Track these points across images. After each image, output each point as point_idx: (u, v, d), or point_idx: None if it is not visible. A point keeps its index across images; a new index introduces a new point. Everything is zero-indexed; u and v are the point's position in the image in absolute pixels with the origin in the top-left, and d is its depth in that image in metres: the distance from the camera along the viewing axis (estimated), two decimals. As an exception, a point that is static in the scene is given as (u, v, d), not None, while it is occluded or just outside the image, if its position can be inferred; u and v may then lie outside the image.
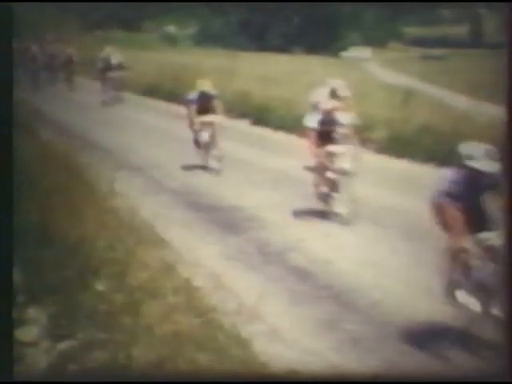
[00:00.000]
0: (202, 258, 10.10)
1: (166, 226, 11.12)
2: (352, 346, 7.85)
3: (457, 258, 7.65)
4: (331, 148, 12.10)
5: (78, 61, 23.54)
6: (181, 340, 7.15)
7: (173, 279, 8.61)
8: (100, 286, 8.26)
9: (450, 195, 7.61)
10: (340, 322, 8.40)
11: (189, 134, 15.56)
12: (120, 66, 22.00)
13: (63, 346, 7.49)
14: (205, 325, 7.60)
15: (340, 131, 12.16)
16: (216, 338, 7.34)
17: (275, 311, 8.61)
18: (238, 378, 6.90)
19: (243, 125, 19.76)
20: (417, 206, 10.75)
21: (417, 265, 9.83)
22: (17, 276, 8.42)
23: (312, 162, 12.52)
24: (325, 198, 12.31)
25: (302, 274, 9.81)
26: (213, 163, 15.32)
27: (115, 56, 22.02)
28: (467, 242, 7.52)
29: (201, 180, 14.86)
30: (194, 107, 15.38)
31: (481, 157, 7.68)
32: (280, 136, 18.69)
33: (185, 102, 15.80)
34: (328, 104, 12.63)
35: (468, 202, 7.59)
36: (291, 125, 18.24)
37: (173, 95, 21.72)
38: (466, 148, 7.81)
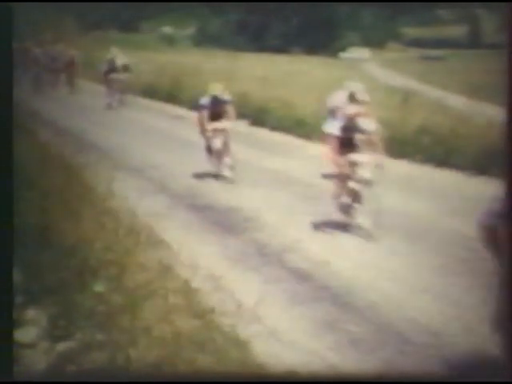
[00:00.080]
0: (201, 259, 10.10)
1: (164, 227, 11.12)
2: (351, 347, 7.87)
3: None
4: (354, 157, 11.40)
5: (80, 63, 23.42)
6: (180, 341, 7.14)
7: (171, 280, 8.61)
8: (99, 287, 8.25)
9: (502, 216, 6.30)
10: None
11: (189, 135, 15.55)
12: (125, 68, 21.62)
13: (62, 346, 7.49)
14: (203, 326, 7.60)
15: (362, 138, 11.45)
16: (215, 339, 7.33)
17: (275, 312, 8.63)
18: (236, 379, 6.90)
19: (242, 126, 19.77)
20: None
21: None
22: (16, 277, 8.42)
23: (330, 169, 11.98)
24: (346, 209, 11.62)
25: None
26: (225, 171, 14.74)
27: (120, 58, 21.64)
28: None
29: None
30: (205, 112, 14.73)
31: None
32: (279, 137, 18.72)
33: (196, 107, 15.23)
34: (350, 109, 11.90)
35: None
36: (290, 125, 18.27)
37: (171, 96, 21.73)
38: None
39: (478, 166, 14.70)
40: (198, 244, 10.94)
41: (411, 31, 27.46)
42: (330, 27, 25.77)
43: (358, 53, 26.30)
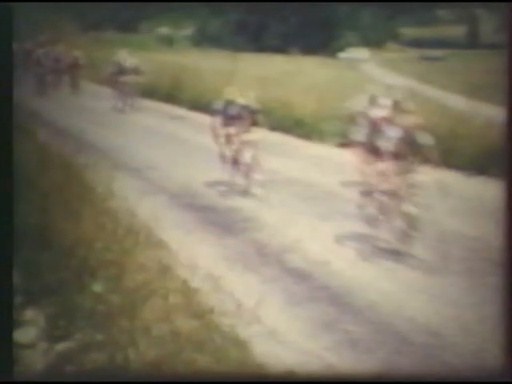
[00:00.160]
0: (200, 260, 10.11)
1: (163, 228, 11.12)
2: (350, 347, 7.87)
3: None
4: (382, 166, 10.61)
5: (84, 64, 23.29)
6: (179, 341, 7.15)
7: (171, 280, 8.61)
8: (97, 288, 8.25)
9: None
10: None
11: (189, 135, 15.47)
12: (136, 71, 21.11)
13: (61, 346, 7.49)
14: (203, 326, 7.60)
15: (388, 145, 10.54)
16: (214, 339, 7.34)
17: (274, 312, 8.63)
18: (235, 379, 6.91)
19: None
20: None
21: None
22: (15, 278, 8.42)
23: (352, 177, 11.39)
24: (372, 221, 10.98)
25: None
26: (255, 189, 13.38)
27: (129, 59, 21.13)
28: None
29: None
30: (218, 118, 13.80)
31: None
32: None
33: (210, 112, 14.25)
34: (377, 114, 11.04)
35: None
36: (289, 125, 18.25)
37: (171, 96, 21.71)
38: None
39: (478, 166, 14.69)
40: (197, 244, 10.93)
41: (410, 31, 27.42)
42: (328, 27, 25.75)
43: (356, 53, 26.26)
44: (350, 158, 11.35)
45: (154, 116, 20.79)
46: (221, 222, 12.16)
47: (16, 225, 8.48)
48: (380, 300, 8.99)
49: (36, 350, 7.56)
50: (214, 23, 27.18)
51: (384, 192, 10.58)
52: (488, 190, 12.81)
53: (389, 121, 10.65)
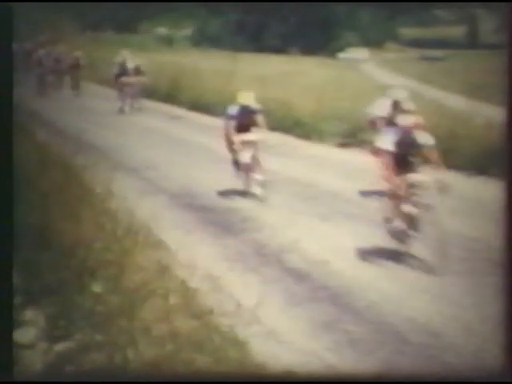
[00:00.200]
0: (200, 260, 10.10)
1: (163, 228, 11.12)
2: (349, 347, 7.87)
3: None
4: (413, 177, 10.10)
5: (85, 65, 23.26)
6: (178, 341, 7.14)
7: (170, 281, 8.60)
8: (97, 288, 8.25)
9: None
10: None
11: (188, 135, 15.48)
12: (137, 71, 21.12)
13: (60, 347, 7.49)
14: (202, 326, 7.60)
15: (418, 154, 10.18)
16: (213, 339, 7.33)
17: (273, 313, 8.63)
18: (235, 379, 6.91)
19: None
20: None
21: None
22: (15, 278, 8.42)
23: (377, 187, 10.93)
24: (400, 235, 10.34)
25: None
26: (255, 189, 13.15)
27: (132, 60, 21.14)
28: None
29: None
30: (232, 124, 13.08)
31: None
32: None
33: (223, 117, 13.50)
34: (406, 120, 10.41)
35: None
36: (289, 126, 18.24)
37: (170, 96, 21.69)
38: None
39: (478, 166, 14.69)
40: (197, 244, 10.93)
41: (410, 31, 27.41)
42: (328, 27, 25.74)
43: (356, 53, 26.25)
44: (374, 166, 10.85)
45: (154, 116, 20.78)
46: (220, 222, 12.16)
47: (16, 225, 8.48)
48: (380, 300, 8.99)
49: (36, 350, 7.56)
50: (213, 23, 27.16)
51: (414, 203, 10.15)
52: (488, 190, 12.81)
53: (419, 127, 10.34)
